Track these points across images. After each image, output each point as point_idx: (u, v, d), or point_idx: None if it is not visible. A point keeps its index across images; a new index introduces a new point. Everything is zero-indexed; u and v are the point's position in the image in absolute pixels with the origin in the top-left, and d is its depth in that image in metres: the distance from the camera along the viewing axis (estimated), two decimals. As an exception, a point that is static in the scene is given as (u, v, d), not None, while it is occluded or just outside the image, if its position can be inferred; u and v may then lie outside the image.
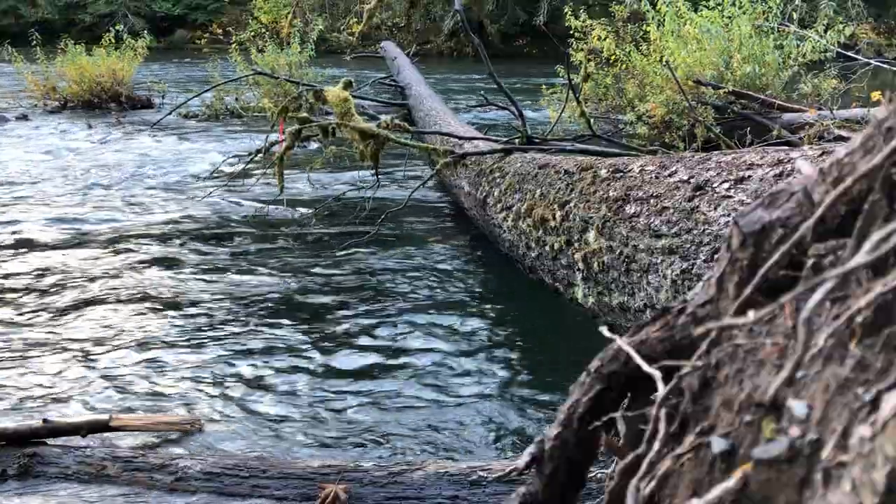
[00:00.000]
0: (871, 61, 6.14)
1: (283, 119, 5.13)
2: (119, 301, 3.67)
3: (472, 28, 7.64)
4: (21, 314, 3.50)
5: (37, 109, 9.75)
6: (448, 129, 5.46)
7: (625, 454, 0.70)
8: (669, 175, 2.46)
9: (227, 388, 2.83)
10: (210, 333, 3.32)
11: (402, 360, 3.08)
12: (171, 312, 3.55)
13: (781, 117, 5.83)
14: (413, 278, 4.04)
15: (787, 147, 3.32)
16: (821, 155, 1.91)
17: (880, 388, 0.48)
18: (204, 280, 3.98)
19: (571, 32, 7.13)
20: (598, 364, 0.81)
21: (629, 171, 2.74)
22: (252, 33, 11.84)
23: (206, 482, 2.12)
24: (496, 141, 4.64)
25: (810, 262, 0.60)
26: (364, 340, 3.26)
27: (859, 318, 0.52)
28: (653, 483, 0.62)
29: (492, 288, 3.98)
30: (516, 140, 4.57)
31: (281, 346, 3.20)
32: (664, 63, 5.83)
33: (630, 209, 2.55)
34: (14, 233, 4.77)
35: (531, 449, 0.84)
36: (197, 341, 3.24)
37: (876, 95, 4.80)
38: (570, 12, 7.24)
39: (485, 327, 3.40)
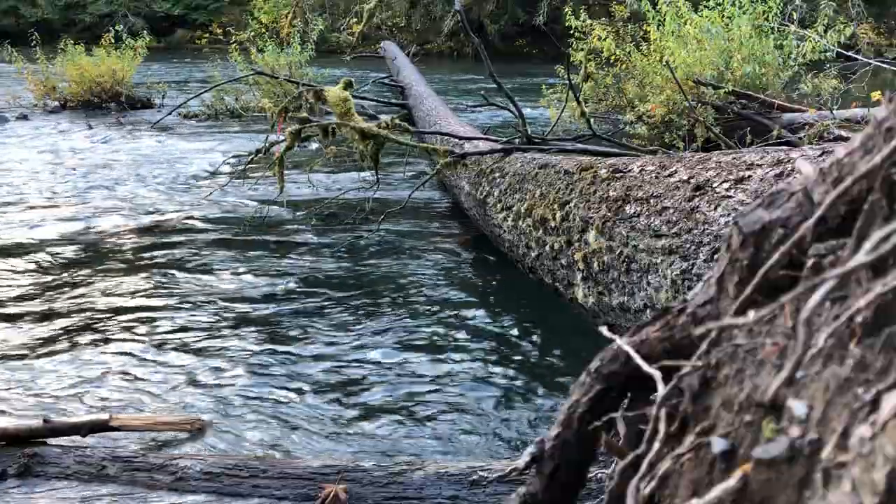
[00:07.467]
0: (871, 61, 6.13)
1: (282, 118, 5.13)
2: (118, 301, 3.67)
3: (472, 28, 7.63)
4: (20, 314, 3.50)
5: (37, 109, 9.74)
6: (448, 129, 5.45)
7: (625, 454, 0.70)
8: (669, 175, 2.46)
9: (227, 388, 2.83)
10: (210, 333, 3.32)
11: (401, 360, 3.08)
12: (171, 312, 3.55)
13: (781, 117, 5.82)
14: (413, 278, 4.04)
15: (787, 147, 3.32)
16: (821, 155, 1.91)
17: (880, 388, 0.48)
18: (203, 280, 3.99)
19: (571, 32, 7.12)
20: (598, 364, 0.81)
21: (629, 171, 2.74)
22: (252, 33, 11.83)
23: (206, 482, 2.12)
24: (496, 141, 4.64)
25: (810, 262, 0.60)
26: (363, 340, 3.26)
27: (859, 318, 0.52)
28: (653, 483, 0.62)
29: (492, 288, 3.98)
30: (516, 140, 4.56)
31: (280, 346, 3.20)
32: (664, 63, 5.82)
33: (630, 209, 2.55)
34: (13, 233, 4.77)
35: (531, 449, 0.84)
36: (197, 341, 3.24)
37: (876, 95, 4.79)
38: (570, 12, 7.24)
39: (484, 327, 3.40)
